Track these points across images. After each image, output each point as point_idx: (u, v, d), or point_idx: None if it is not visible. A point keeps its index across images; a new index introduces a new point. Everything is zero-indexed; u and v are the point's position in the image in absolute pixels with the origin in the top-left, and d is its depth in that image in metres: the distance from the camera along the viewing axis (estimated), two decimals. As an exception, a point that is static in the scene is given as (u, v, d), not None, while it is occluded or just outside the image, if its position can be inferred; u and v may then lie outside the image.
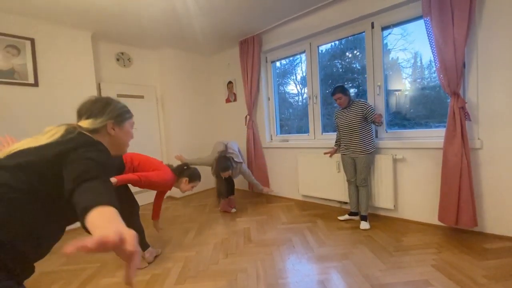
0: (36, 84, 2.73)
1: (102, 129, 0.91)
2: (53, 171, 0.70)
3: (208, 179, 4.46)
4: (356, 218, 2.61)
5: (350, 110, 2.47)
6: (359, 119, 2.41)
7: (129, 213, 2.03)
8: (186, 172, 2.26)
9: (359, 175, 2.49)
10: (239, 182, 4.16)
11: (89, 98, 0.96)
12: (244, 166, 3.16)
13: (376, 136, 2.74)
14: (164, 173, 2.06)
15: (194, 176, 2.27)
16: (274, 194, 3.13)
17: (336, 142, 2.76)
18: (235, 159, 2.99)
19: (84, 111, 0.92)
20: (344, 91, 2.45)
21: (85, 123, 0.87)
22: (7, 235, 0.62)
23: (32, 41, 2.69)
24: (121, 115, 0.97)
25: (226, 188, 3.17)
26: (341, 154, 2.63)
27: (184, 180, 2.23)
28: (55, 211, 0.72)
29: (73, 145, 0.74)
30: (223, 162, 2.87)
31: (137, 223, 2.06)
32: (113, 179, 1.70)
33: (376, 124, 2.30)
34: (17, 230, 0.64)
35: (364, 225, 2.44)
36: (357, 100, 2.48)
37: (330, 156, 2.85)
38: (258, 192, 3.18)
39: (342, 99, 2.45)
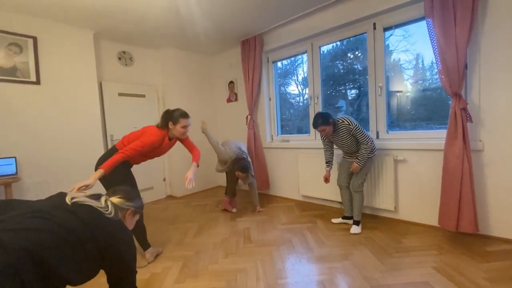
0: (38, 82, 2.74)
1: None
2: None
3: (208, 179, 4.47)
4: (350, 222, 2.53)
5: (338, 133, 2.33)
6: (348, 137, 2.31)
7: None
8: (169, 116, 2.05)
9: (356, 180, 2.39)
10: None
11: None
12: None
13: (378, 137, 2.73)
14: (148, 135, 1.94)
15: (180, 116, 2.05)
16: (262, 210, 3.15)
17: (327, 163, 2.57)
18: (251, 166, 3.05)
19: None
20: (326, 121, 2.26)
21: (115, 200, 1.16)
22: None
23: (35, 39, 2.70)
24: (139, 209, 1.28)
25: (235, 187, 3.16)
26: (342, 156, 2.59)
27: (169, 125, 2.05)
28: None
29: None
30: (245, 164, 2.90)
31: (139, 222, 2.07)
32: (100, 171, 1.67)
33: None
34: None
35: (355, 229, 2.38)
36: (340, 120, 2.29)
37: (328, 181, 2.59)
38: (253, 202, 3.20)
39: (326, 130, 2.28)
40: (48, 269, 0.77)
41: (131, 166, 2.12)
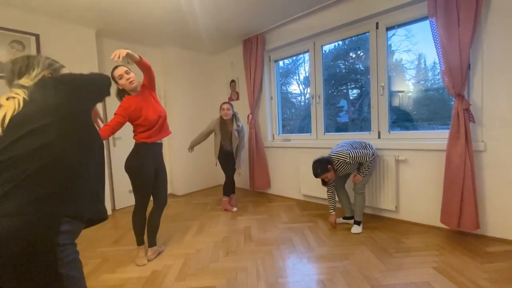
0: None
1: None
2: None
3: (209, 177, 4.48)
4: (351, 222, 2.51)
5: (339, 170, 2.31)
6: (352, 167, 2.30)
7: (157, 207, 2.11)
8: (113, 79, 1.93)
9: (359, 182, 2.37)
10: (240, 182, 4.17)
11: (5, 62, 0.99)
12: (245, 133, 3.23)
13: (379, 137, 2.73)
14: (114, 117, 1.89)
15: (112, 73, 1.94)
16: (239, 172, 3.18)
17: (332, 209, 2.46)
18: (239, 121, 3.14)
19: (11, 74, 0.90)
20: (325, 169, 2.22)
21: (24, 81, 0.87)
22: None
23: (37, 36, 2.71)
24: (53, 64, 0.99)
25: (232, 177, 3.18)
26: None
27: (118, 87, 1.96)
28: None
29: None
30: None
31: (155, 219, 2.12)
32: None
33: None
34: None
35: (356, 229, 2.37)
36: (336, 159, 2.25)
37: (335, 226, 2.47)
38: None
39: (328, 176, 2.25)
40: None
41: (160, 148, 2.12)
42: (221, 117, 3.10)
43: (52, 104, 0.79)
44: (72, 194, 0.78)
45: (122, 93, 2.01)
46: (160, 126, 2.06)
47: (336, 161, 2.26)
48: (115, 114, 1.89)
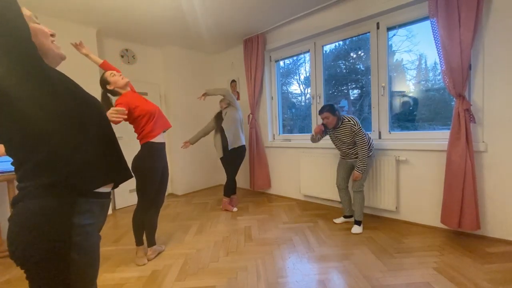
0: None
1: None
2: None
3: (209, 177, 4.48)
4: (351, 220, 2.58)
5: (341, 131, 2.34)
6: (348, 137, 2.32)
7: (156, 206, 2.11)
8: (103, 82, 1.94)
9: (356, 181, 2.39)
10: (240, 182, 4.17)
11: None
12: (239, 114, 3.14)
13: (380, 137, 2.72)
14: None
15: (102, 79, 1.94)
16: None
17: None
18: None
19: None
20: (332, 110, 2.28)
21: None
22: None
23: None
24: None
25: (234, 176, 3.18)
26: (340, 157, 2.58)
27: (110, 87, 1.92)
28: None
29: None
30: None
31: (153, 219, 2.12)
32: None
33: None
34: None
35: (356, 229, 2.37)
36: (347, 119, 2.31)
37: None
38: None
39: (329, 118, 2.29)
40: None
41: (163, 148, 2.08)
42: (219, 111, 3.23)
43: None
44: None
45: (112, 94, 1.94)
46: (160, 116, 2.04)
47: (347, 121, 2.30)
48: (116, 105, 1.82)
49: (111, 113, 1.41)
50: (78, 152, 0.75)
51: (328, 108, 2.30)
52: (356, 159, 2.37)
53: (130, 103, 1.86)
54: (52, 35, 0.85)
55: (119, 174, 0.88)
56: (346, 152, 2.44)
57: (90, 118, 0.80)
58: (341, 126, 2.33)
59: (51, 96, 0.71)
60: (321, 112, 2.35)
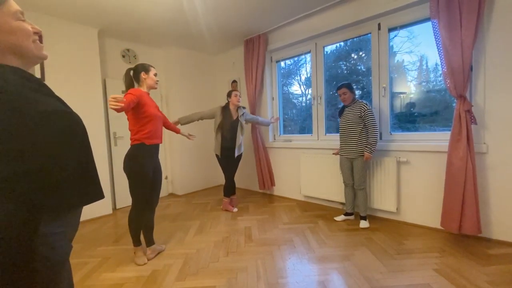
0: (42, 79, 2.75)
1: None
2: None
3: (210, 177, 4.48)
4: (352, 217, 2.67)
5: (350, 110, 2.49)
6: (356, 119, 2.43)
7: (151, 206, 2.09)
8: (139, 69, 2.01)
9: (356, 178, 2.50)
10: (240, 181, 4.17)
11: None
12: (248, 114, 3.28)
13: (381, 138, 2.72)
14: (127, 96, 1.82)
15: (144, 66, 2.03)
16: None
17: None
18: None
19: None
20: (351, 88, 2.47)
21: None
22: None
23: (40, 36, 2.71)
24: None
25: (233, 176, 3.17)
26: (340, 155, 2.64)
27: (142, 77, 2.00)
28: None
29: None
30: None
31: (149, 219, 2.11)
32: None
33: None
34: None
35: (364, 223, 2.49)
36: (361, 100, 2.48)
37: (337, 153, 2.73)
38: (267, 125, 3.49)
39: (347, 94, 2.47)
40: None
41: (156, 151, 2.07)
42: (226, 104, 3.09)
43: None
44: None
45: (135, 80, 2.03)
46: (160, 128, 2.07)
47: (359, 102, 2.46)
48: (126, 94, 1.82)
49: (109, 101, 1.46)
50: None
51: (347, 85, 2.48)
52: (352, 151, 2.47)
53: (141, 97, 1.88)
54: (36, 33, 0.78)
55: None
56: (346, 140, 2.52)
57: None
58: (354, 104, 2.48)
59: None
60: (339, 88, 2.50)
